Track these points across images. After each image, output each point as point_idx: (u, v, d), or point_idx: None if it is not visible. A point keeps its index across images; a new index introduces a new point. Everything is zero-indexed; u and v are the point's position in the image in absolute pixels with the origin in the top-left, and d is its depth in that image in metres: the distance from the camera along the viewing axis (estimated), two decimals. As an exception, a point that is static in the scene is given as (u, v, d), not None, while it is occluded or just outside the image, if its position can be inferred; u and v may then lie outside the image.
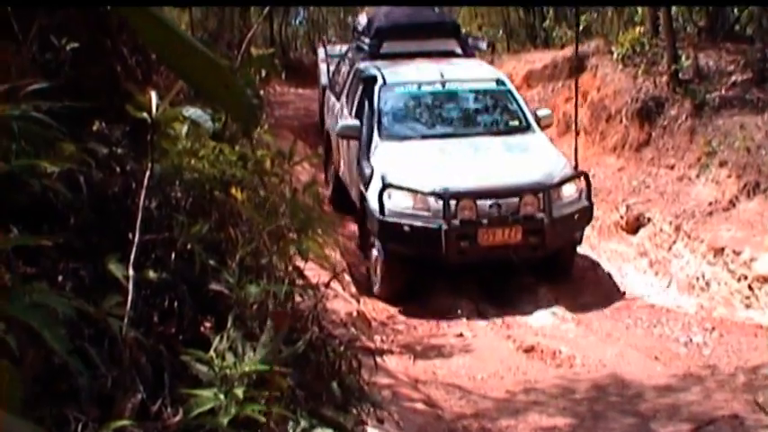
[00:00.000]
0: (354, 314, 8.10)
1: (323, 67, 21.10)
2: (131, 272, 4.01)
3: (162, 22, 1.38)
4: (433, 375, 9.49)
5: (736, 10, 23.01)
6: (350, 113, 15.75)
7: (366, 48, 17.43)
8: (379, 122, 14.24)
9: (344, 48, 21.18)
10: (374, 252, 13.38)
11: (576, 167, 14.06)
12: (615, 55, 20.90)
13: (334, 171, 17.10)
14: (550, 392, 8.94)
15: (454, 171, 13.13)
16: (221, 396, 3.76)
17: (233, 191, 5.64)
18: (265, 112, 16.34)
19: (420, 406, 8.21)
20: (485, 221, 12.57)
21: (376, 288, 13.32)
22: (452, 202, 12.51)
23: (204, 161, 5.71)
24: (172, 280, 4.66)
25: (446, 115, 14.99)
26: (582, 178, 13.63)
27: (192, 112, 5.07)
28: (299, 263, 6.09)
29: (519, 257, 12.81)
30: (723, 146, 15.23)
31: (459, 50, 17.58)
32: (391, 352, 9.93)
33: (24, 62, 5.08)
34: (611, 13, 31.18)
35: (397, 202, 12.72)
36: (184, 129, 5.39)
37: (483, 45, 19.87)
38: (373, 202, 12.85)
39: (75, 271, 4.19)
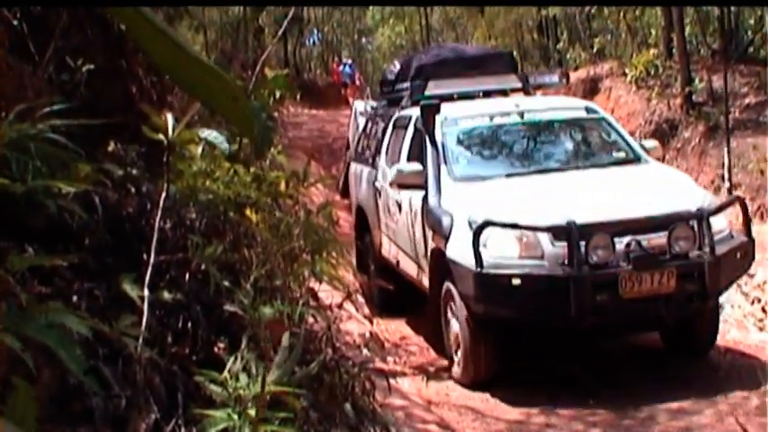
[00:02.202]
0: (368, 335, 8.07)
1: (354, 124, 18.20)
2: (146, 292, 4.02)
3: (171, 38, 1.39)
4: (446, 397, 9.47)
5: (749, 32, 23.02)
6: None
7: (405, 94, 13.88)
8: (447, 162, 10.97)
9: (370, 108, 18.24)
10: (453, 322, 10.15)
11: None
12: (629, 77, 20.99)
13: (376, 254, 13.74)
14: (565, 414, 8.90)
15: (569, 204, 9.68)
16: (235, 417, 3.76)
17: (247, 212, 5.66)
18: (279, 134, 16.40)
19: (433, 428, 8.18)
20: (625, 265, 9.16)
21: (457, 371, 10.21)
22: (580, 241, 9.11)
23: (219, 182, 5.73)
24: (186, 300, 4.66)
25: (531, 150, 11.79)
26: (737, 205, 10.72)
27: (207, 133, 5.09)
28: (313, 284, 6.10)
29: (671, 313, 9.47)
30: (737, 168, 15.22)
31: (519, 85, 14.11)
32: (404, 373, 9.92)
33: (40, 83, 5.11)
34: (625, 36, 31.24)
35: (499, 249, 9.31)
36: (199, 150, 5.41)
37: (554, 79, 15.13)
38: (462, 254, 9.46)
39: (89, 291, 4.20)
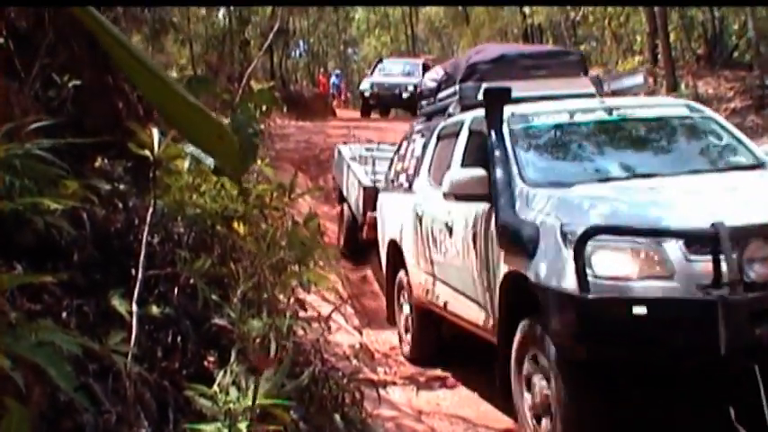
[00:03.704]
0: (357, 346, 8.08)
1: (355, 167, 16.65)
2: (135, 308, 4.04)
3: (160, 77, 1.41)
4: (437, 407, 9.45)
5: (734, 38, 23.14)
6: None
7: (452, 101, 11.43)
8: (519, 165, 8.58)
9: (360, 150, 17.40)
10: (537, 376, 7.50)
11: None
12: (614, 84, 21.05)
13: (413, 297, 11.33)
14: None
15: (698, 208, 7.09)
16: (225, 431, 3.78)
17: (235, 225, 5.68)
18: (266, 146, 16.40)
19: (424, 437, 8.19)
20: None
21: None
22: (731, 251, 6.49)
23: (206, 196, 5.74)
24: (175, 315, 4.68)
25: (625, 152, 9.48)
26: None
27: (193, 148, 5.11)
28: (302, 295, 6.11)
29: None
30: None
31: (592, 91, 11.07)
32: (394, 383, 9.89)
33: (27, 100, 5.12)
34: (610, 43, 31.38)
35: (610, 267, 6.75)
36: (186, 164, 5.43)
37: (637, 80, 12.04)
38: (554, 276, 6.99)
39: (79, 307, 4.22)
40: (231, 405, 3.92)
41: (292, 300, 5.99)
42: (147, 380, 4.05)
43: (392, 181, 13.23)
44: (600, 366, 6.94)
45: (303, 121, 32.57)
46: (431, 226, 10.40)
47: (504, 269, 7.95)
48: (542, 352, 7.30)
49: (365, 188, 15.53)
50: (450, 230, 9.62)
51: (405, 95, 39.81)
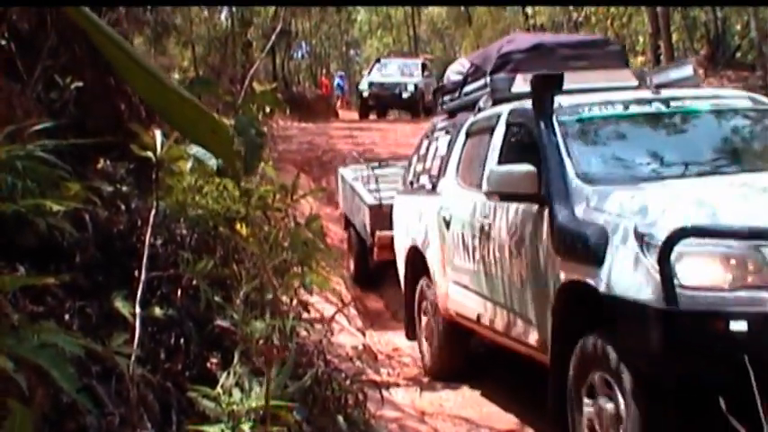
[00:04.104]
0: (360, 347, 8.07)
1: (358, 188, 15.78)
2: (138, 309, 4.04)
3: (151, 72, 1.40)
4: (440, 408, 9.43)
5: (736, 38, 23.13)
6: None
7: (480, 95, 10.36)
8: (572, 160, 7.57)
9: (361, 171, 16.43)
10: (606, 404, 6.31)
11: None
12: (617, 84, 21.01)
13: (439, 310, 10.23)
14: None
15: None
16: (228, 432, 3.77)
17: (237, 226, 5.67)
18: (269, 147, 16.39)
19: (427, 438, 8.18)
20: None
21: None
22: None
23: (208, 197, 5.74)
24: (178, 317, 4.68)
25: (688, 145, 8.45)
26: None
27: (196, 150, 5.10)
28: (305, 297, 6.10)
29: None
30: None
31: (635, 84, 10.06)
32: (398, 385, 9.87)
33: (29, 102, 5.12)
34: (612, 43, 31.30)
35: (699, 276, 5.84)
36: (188, 165, 5.42)
37: (685, 72, 10.40)
38: (631, 286, 5.97)
39: (81, 309, 4.22)
40: (234, 406, 3.92)
41: (295, 301, 5.98)
42: (150, 381, 4.04)
43: (411, 183, 12.01)
44: (685, 390, 5.90)
45: (306, 123, 32.56)
46: (461, 230, 9.38)
47: (560, 278, 6.93)
48: (611, 373, 6.20)
49: (370, 207, 14.71)
50: (488, 235, 8.59)
51: (405, 95, 39.37)
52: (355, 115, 42.44)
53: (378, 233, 14.12)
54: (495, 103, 9.64)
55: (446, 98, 11.98)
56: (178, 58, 36.85)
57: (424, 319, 10.82)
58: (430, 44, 66.48)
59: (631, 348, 6.07)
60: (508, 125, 8.83)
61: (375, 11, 65.92)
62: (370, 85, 40.68)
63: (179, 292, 4.90)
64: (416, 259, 11.00)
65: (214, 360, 4.85)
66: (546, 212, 7.20)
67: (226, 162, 1.78)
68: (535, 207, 7.50)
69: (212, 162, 5.34)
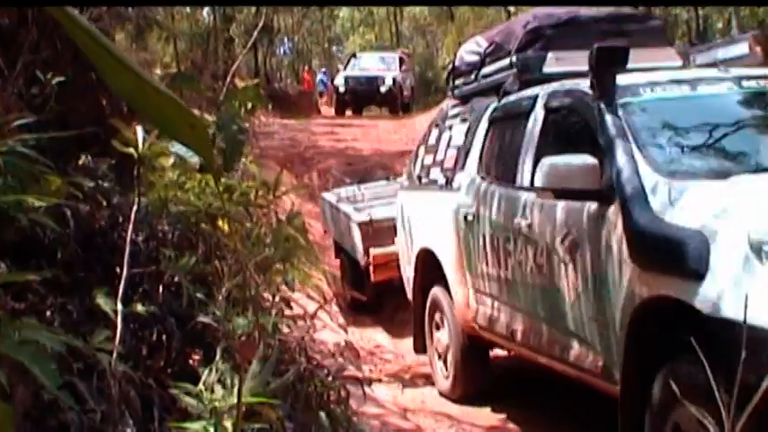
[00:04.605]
0: (342, 344, 8.06)
1: (344, 208, 14.66)
2: (119, 306, 4.02)
3: (127, 66, 1.40)
4: (422, 404, 9.42)
5: (718, 36, 23.14)
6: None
7: (503, 77, 9.12)
8: (643, 151, 6.33)
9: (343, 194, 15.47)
10: None
11: None
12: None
13: (460, 323, 8.97)
14: (542, 422, 8.91)
15: None
16: (211, 429, 3.76)
17: (219, 223, 5.66)
18: (251, 144, 16.38)
19: (409, 435, 8.18)
20: None
21: None
22: None
23: (190, 194, 5.72)
24: (160, 313, 4.67)
25: None
26: None
27: (178, 146, 5.09)
28: (287, 293, 6.10)
29: None
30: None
31: (679, 64, 8.88)
32: (380, 381, 9.86)
33: (10, 97, 5.10)
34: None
35: None
36: (170, 161, 5.41)
37: (741, 50, 8.84)
38: (755, 305, 4.41)
39: (63, 306, 4.20)
40: (216, 403, 3.90)
41: (277, 298, 5.98)
42: (131, 378, 4.03)
43: (419, 177, 10.56)
44: None
45: (288, 119, 32.54)
46: (488, 231, 8.09)
47: (637, 293, 5.72)
48: (709, 410, 4.60)
49: (360, 224, 13.40)
50: (527, 238, 7.24)
51: (383, 89, 38.16)
52: (345, 112, 40.58)
53: (372, 251, 12.96)
54: (523, 85, 8.48)
55: (459, 81, 10.58)
56: (160, 53, 36.75)
57: (438, 333, 9.56)
58: (412, 41, 66.40)
59: (750, 382, 4.49)
60: (549, 110, 7.54)
61: (357, 7, 65.91)
62: (347, 80, 39.21)
63: (161, 289, 4.89)
64: (428, 264, 9.68)
65: (196, 357, 4.85)
66: (610, 212, 6.09)
67: (204, 159, 1.76)
68: (593, 205, 6.32)
69: (195, 159, 5.34)
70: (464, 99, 10.24)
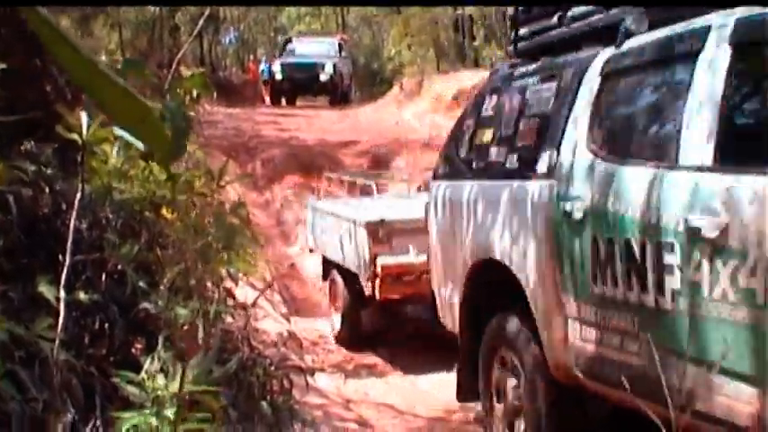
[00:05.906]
0: (285, 334, 8.07)
1: (341, 211, 12.44)
2: (62, 293, 4.00)
3: (83, 56, 1.40)
4: (365, 395, 9.45)
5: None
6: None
7: (594, 22, 6.51)
8: None
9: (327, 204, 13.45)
10: None
11: None
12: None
13: (554, 368, 6.12)
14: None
15: None
16: (153, 418, 3.75)
17: (163, 211, 5.64)
18: (195, 133, 16.31)
19: (352, 426, 8.18)
20: None
21: None
22: None
23: (134, 181, 5.70)
24: (102, 301, 4.64)
25: None
26: None
27: (122, 133, 5.06)
28: (229, 282, 6.09)
29: None
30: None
31: None
32: (323, 371, 9.86)
33: (-47, 82, 5.05)
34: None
35: None
36: (114, 149, 5.38)
37: None
38: None
39: (4, 293, 4.17)
40: (159, 392, 3.89)
41: (220, 287, 5.97)
42: (74, 366, 4.01)
43: (468, 161, 7.75)
44: None
45: (232, 108, 32.41)
46: (616, 235, 5.30)
47: None
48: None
49: (369, 224, 10.84)
50: (714, 247, 4.47)
51: (323, 77, 35.95)
52: (281, 101, 38.34)
53: (380, 260, 10.63)
54: (654, 25, 5.80)
55: (522, 31, 7.66)
56: (105, 40, 36.46)
57: (509, 382, 6.79)
58: (358, 31, 66.24)
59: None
60: (738, 47, 4.78)
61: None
62: (283, 67, 36.70)
63: (104, 277, 4.86)
64: (489, 282, 7.01)
65: (138, 345, 4.83)
66: None
67: (156, 149, 1.75)
68: None
69: (139, 145, 5.30)
70: (532, 54, 7.41)
